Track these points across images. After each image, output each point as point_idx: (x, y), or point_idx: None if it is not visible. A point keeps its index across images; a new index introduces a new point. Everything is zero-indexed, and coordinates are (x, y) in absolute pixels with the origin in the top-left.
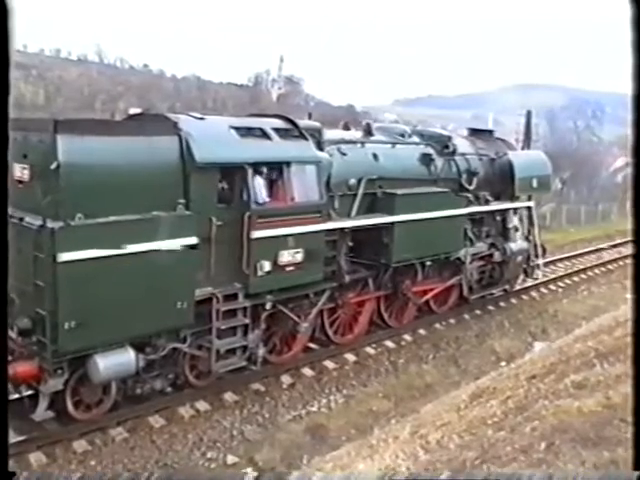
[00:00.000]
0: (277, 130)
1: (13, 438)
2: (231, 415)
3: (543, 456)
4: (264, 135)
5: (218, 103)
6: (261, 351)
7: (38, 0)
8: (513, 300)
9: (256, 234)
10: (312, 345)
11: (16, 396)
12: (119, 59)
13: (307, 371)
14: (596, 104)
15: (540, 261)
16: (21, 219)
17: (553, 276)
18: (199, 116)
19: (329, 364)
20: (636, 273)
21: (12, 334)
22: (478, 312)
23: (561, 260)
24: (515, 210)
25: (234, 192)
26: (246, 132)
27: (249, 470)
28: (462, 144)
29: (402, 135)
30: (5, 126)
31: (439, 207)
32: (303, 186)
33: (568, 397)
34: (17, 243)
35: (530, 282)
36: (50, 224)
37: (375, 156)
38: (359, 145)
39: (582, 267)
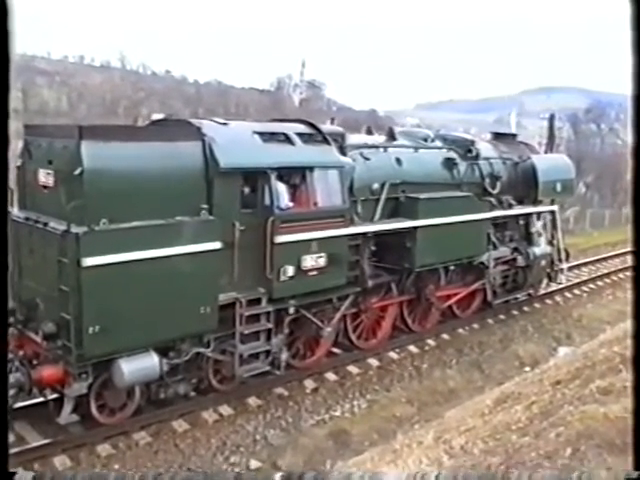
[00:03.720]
0: (300, 135)
1: (38, 441)
2: (254, 419)
3: (568, 462)
4: (287, 140)
5: (240, 108)
6: (284, 356)
7: (61, 7)
8: (537, 305)
9: (279, 239)
10: (335, 350)
11: (41, 399)
12: (141, 65)
13: (330, 376)
14: (620, 106)
15: (564, 265)
16: (46, 224)
17: (577, 280)
18: (222, 121)
19: (352, 369)
20: (636, 284)
21: (37, 338)
22: (502, 317)
23: (585, 264)
24: (538, 214)
25: (257, 197)
26: (269, 137)
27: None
28: (485, 148)
29: (425, 139)
30: (5, 126)
31: (462, 211)
32: (326, 191)
33: (594, 403)
34: (42, 248)
35: (554, 287)
36: (74, 229)
37: (398, 160)
38: (382, 150)
39: (606, 271)
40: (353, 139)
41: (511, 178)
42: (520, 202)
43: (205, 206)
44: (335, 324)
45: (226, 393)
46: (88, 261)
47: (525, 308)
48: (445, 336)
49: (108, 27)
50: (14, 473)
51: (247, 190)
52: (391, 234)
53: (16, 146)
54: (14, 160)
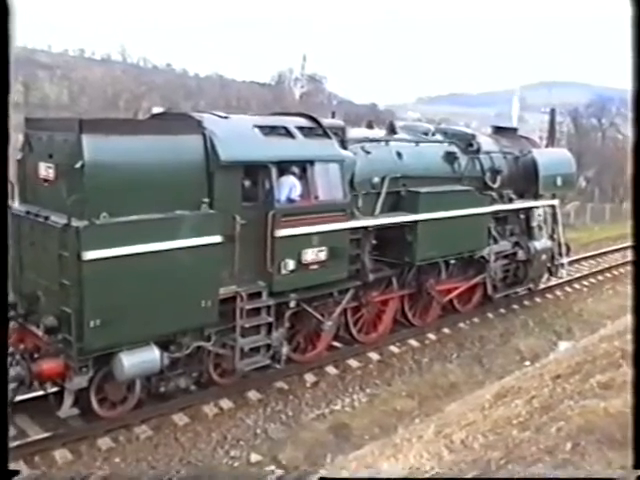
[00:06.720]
0: (301, 129)
1: (38, 435)
2: (255, 413)
3: (569, 457)
4: (288, 134)
5: (241, 102)
6: (285, 349)
7: (62, 1)
8: (537, 299)
9: (280, 232)
10: (336, 344)
11: (41, 393)
12: (142, 59)
13: (331, 370)
14: (621, 101)
15: (564, 260)
16: (46, 218)
17: (578, 275)
18: (223, 115)
19: (353, 363)
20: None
21: (38, 332)
22: (502, 311)
23: (586, 259)
24: (539, 209)
25: (258, 191)
26: (270, 131)
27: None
28: (486, 142)
29: (426, 133)
30: (5, 126)
31: (463, 205)
32: (327, 185)
33: (594, 397)
34: (43, 242)
35: (554, 281)
36: (75, 223)
37: (399, 154)
38: (383, 143)
39: (607, 266)
40: (354, 133)
41: (512, 172)
42: (521, 196)
43: (206, 200)
44: (336, 318)
45: (227, 387)
46: (89, 255)
47: (526, 302)
48: (446, 330)
49: (108, 20)
50: (14, 472)
51: (248, 184)
52: (392, 228)
53: (17, 139)
54: (15, 153)
